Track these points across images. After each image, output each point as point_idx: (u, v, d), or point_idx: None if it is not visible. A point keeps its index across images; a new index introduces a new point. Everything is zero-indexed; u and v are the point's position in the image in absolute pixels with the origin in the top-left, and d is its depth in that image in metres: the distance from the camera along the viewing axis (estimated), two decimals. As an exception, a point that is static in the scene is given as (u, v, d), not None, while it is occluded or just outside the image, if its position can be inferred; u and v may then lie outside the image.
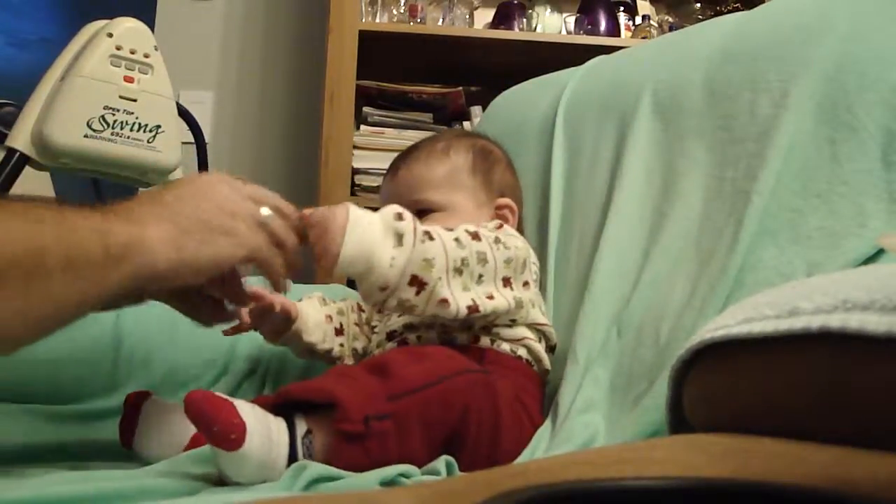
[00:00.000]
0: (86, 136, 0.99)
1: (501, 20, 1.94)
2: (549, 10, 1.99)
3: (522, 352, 0.72)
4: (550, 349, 0.76)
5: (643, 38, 1.93)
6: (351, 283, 1.05)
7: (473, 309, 0.66)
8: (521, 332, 0.72)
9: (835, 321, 0.32)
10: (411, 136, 1.79)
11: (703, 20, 1.65)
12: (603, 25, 1.92)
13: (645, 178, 0.80)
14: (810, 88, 0.69)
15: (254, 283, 0.71)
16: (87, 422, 0.75)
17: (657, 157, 0.81)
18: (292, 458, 0.52)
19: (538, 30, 1.95)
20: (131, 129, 1.03)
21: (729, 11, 1.66)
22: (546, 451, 0.62)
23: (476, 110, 1.88)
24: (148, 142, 1.05)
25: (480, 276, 0.68)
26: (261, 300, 0.73)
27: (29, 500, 0.41)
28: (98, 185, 1.23)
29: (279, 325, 0.76)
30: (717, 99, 0.78)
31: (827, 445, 0.31)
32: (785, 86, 0.71)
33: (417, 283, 0.64)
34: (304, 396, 0.54)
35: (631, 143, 0.83)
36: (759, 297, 0.39)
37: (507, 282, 0.70)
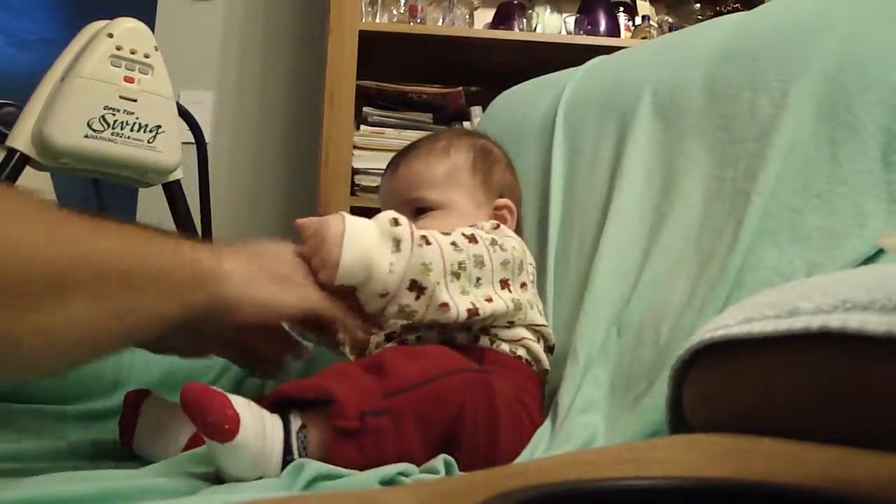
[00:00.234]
0: (86, 136, 0.99)
1: (501, 20, 1.94)
2: (549, 10, 1.99)
3: (522, 352, 0.72)
4: (549, 349, 0.76)
5: (643, 38, 1.93)
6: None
7: (473, 312, 0.66)
8: (520, 332, 0.72)
9: (835, 321, 0.32)
10: (411, 137, 1.78)
11: (703, 20, 1.65)
12: (603, 26, 1.92)
13: (645, 178, 0.80)
14: (810, 88, 0.69)
15: None
16: (88, 422, 0.75)
17: (657, 158, 0.81)
18: (287, 452, 0.52)
19: (538, 30, 1.96)
20: (131, 130, 1.03)
21: (729, 11, 1.66)
22: (546, 451, 0.62)
23: (476, 110, 1.88)
24: (148, 142, 1.05)
25: (478, 279, 0.68)
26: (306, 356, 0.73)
27: (29, 500, 0.41)
28: (98, 185, 1.23)
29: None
30: (717, 99, 0.78)
31: (827, 445, 0.31)
32: (785, 86, 0.71)
33: (417, 287, 0.64)
34: (299, 394, 0.54)
35: (631, 144, 0.83)
36: (759, 297, 0.39)
37: (504, 284, 0.70)
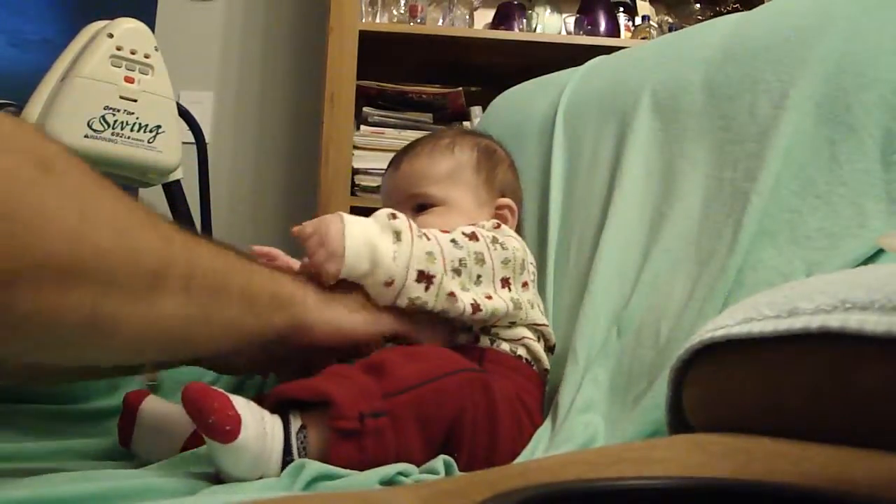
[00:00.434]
0: (86, 136, 0.99)
1: (501, 20, 1.94)
2: (548, 10, 1.99)
3: (522, 351, 0.72)
4: (549, 349, 0.76)
5: (643, 38, 1.93)
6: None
7: (476, 307, 0.66)
8: (521, 332, 0.72)
9: (834, 321, 0.32)
10: (411, 137, 1.78)
11: (702, 21, 1.65)
12: (603, 26, 1.92)
13: (644, 178, 0.80)
14: (809, 89, 0.69)
15: None
16: (88, 422, 0.75)
17: (657, 158, 0.81)
18: (287, 453, 0.52)
19: (538, 30, 1.96)
20: (132, 130, 1.03)
21: (728, 12, 1.66)
22: (546, 450, 0.62)
23: (476, 110, 1.88)
24: (148, 142, 1.05)
25: (479, 276, 0.68)
26: None
27: (29, 500, 0.41)
28: (98, 185, 1.23)
29: None
30: (716, 99, 0.78)
31: (827, 445, 0.31)
32: (784, 86, 0.71)
33: (425, 278, 0.65)
34: (298, 395, 0.55)
35: (631, 144, 0.83)
36: (759, 297, 0.39)
37: (505, 282, 0.70)
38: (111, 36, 1.00)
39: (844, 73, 0.68)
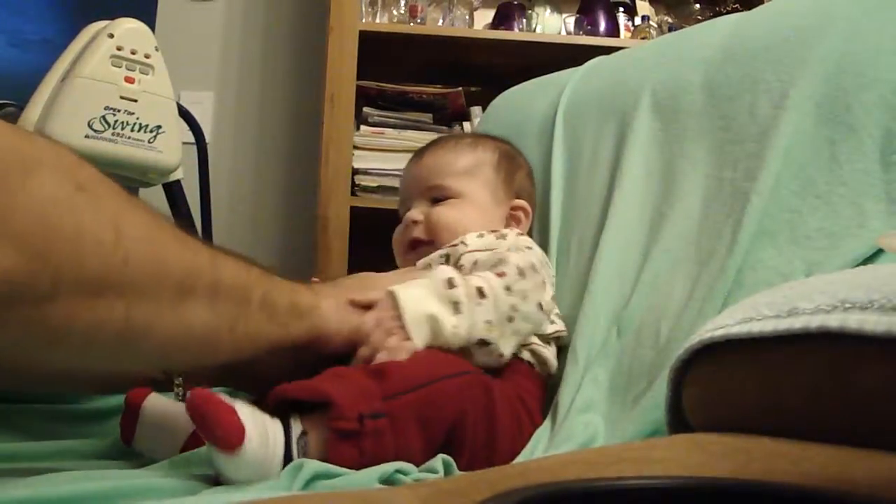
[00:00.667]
0: (86, 136, 0.99)
1: (501, 21, 1.94)
2: (548, 10, 1.98)
3: (526, 355, 0.72)
4: (561, 348, 0.76)
5: (642, 38, 1.93)
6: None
7: (514, 353, 0.68)
8: (530, 338, 0.73)
9: (834, 321, 0.32)
10: (411, 137, 1.79)
11: (702, 21, 1.65)
12: (602, 26, 1.92)
13: (645, 178, 0.80)
14: (809, 89, 0.69)
15: None
16: (88, 422, 0.75)
17: (657, 158, 0.81)
18: (287, 458, 0.52)
19: (538, 30, 1.95)
20: (132, 130, 1.03)
21: (728, 12, 1.66)
22: (546, 450, 0.62)
23: (476, 110, 1.88)
24: (149, 142, 1.05)
25: (526, 315, 0.69)
26: None
27: (29, 500, 0.41)
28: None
29: None
30: (716, 99, 0.78)
31: (827, 445, 0.31)
32: (784, 86, 0.71)
33: (484, 344, 0.65)
34: (298, 396, 0.55)
35: (630, 144, 0.83)
36: (759, 297, 0.39)
37: (539, 306, 0.71)
38: (111, 36, 1.00)
39: (844, 73, 0.68)
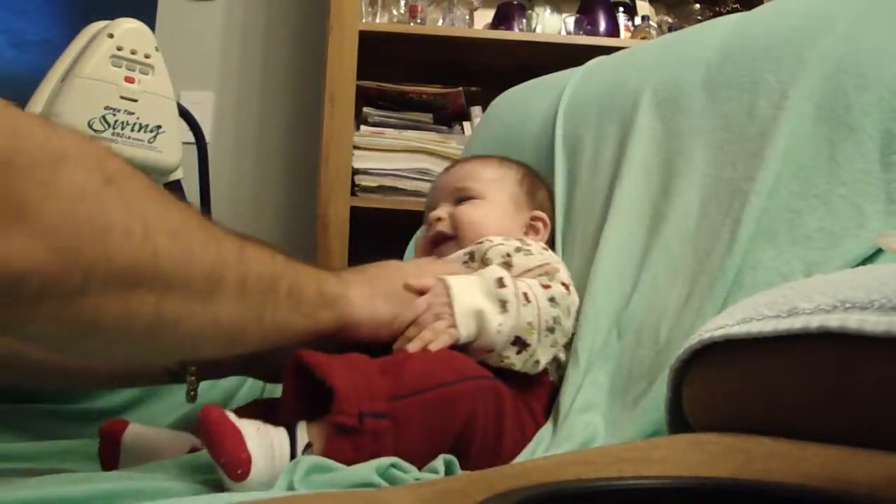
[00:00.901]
0: (86, 136, 0.99)
1: (501, 21, 1.94)
2: (548, 10, 1.99)
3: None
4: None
5: (642, 38, 1.93)
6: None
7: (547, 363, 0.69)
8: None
9: (834, 321, 0.32)
10: (411, 137, 1.79)
11: (702, 21, 1.65)
12: (602, 26, 1.92)
13: (644, 178, 0.80)
14: (809, 89, 0.69)
15: None
16: (88, 422, 0.75)
17: (657, 158, 0.81)
18: None
19: (538, 30, 1.95)
20: (132, 130, 1.03)
21: (728, 12, 1.66)
22: (546, 450, 0.62)
23: (476, 110, 1.88)
24: (149, 142, 1.05)
25: (566, 331, 0.70)
26: None
27: (29, 500, 0.41)
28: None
29: None
30: (716, 99, 0.78)
31: (827, 445, 0.32)
32: (784, 86, 0.71)
33: (520, 343, 0.66)
34: (310, 362, 0.55)
35: (630, 144, 0.83)
36: (758, 297, 0.39)
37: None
38: (111, 36, 1.00)
39: (844, 74, 0.68)
